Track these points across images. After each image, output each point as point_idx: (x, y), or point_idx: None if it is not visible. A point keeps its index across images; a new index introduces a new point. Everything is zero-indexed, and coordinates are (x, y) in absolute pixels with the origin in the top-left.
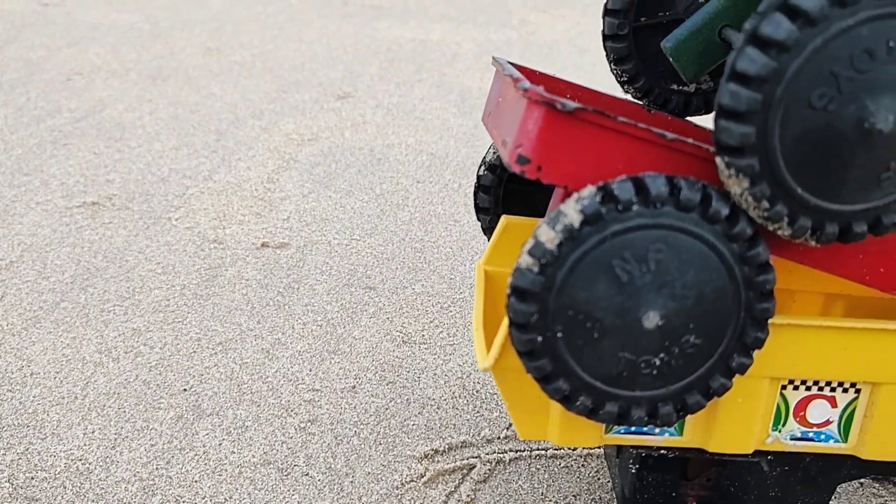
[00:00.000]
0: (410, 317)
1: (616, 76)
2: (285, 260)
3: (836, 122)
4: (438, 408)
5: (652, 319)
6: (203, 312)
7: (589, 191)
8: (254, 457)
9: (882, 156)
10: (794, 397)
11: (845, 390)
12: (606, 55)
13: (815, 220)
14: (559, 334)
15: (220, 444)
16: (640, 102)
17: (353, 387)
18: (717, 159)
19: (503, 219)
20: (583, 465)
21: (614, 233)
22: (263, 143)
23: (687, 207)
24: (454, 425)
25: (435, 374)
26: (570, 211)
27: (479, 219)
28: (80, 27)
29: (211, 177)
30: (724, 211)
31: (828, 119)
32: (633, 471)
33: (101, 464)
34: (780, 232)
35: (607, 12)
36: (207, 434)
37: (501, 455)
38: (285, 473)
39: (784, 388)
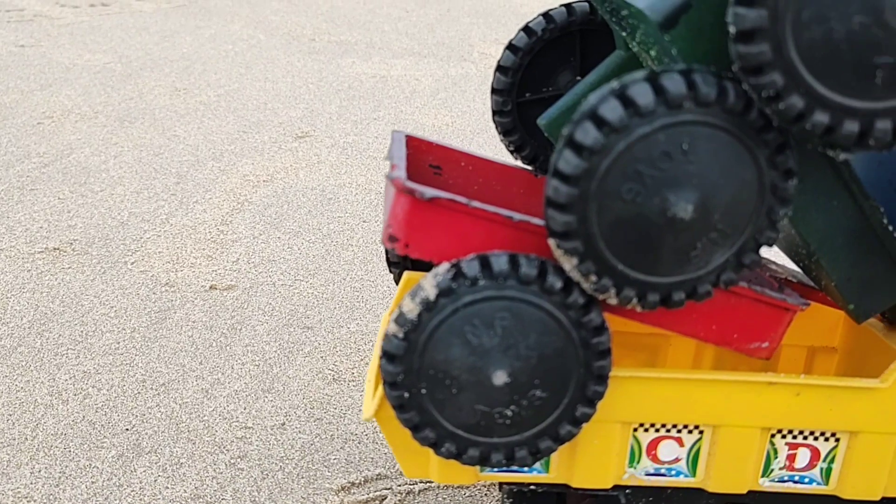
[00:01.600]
0: (343, 355)
1: (505, 145)
2: (231, 302)
3: (645, 211)
4: (360, 442)
5: (500, 377)
6: (150, 354)
7: (444, 267)
8: (185, 492)
9: (688, 238)
10: (645, 438)
11: (690, 431)
12: (495, 127)
13: (638, 291)
14: (423, 391)
15: (155, 481)
16: (530, 168)
17: (283, 424)
18: (549, 240)
19: (405, 275)
20: (486, 495)
21: (465, 304)
22: (221, 185)
23: (526, 281)
24: (372, 459)
25: (360, 411)
26: (427, 285)
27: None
28: (54, 69)
29: (168, 220)
30: (559, 284)
31: (637, 210)
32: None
33: (45, 500)
34: (609, 301)
35: (493, 91)
36: (144, 471)
37: (412, 486)
38: None
39: (636, 430)
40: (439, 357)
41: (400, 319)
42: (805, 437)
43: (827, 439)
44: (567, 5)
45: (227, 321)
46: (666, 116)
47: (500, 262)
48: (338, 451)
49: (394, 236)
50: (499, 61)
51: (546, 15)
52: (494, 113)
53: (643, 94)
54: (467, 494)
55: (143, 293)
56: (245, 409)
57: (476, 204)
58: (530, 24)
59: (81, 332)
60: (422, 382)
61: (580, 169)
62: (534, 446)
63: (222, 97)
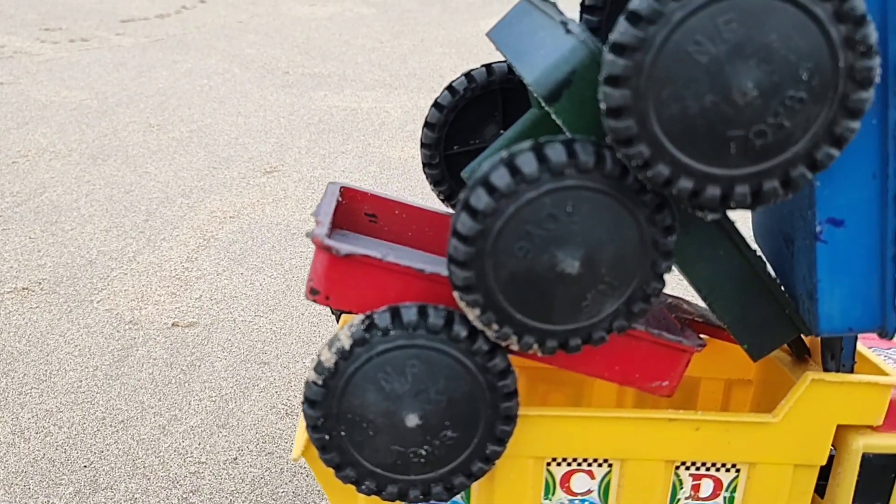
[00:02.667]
0: (297, 390)
1: (436, 195)
2: (192, 339)
3: (536, 267)
4: (307, 476)
5: (412, 420)
6: (111, 392)
7: (358, 319)
8: None
9: (577, 290)
10: (558, 472)
11: (599, 465)
12: (426, 178)
13: (537, 338)
14: (343, 433)
15: None
16: None
17: (235, 458)
18: (454, 293)
19: (342, 319)
20: None
21: (378, 352)
22: (188, 221)
23: (434, 330)
24: (318, 492)
25: None
26: (343, 336)
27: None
28: (31, 106)
29: (135, 258)
30: (464, 332)
31: (529, 265)
32: None
33: None
34: (511, 347)
35: (422, 145)
36: None
37: None
38: None
39: (549, 464)
40: (356, 402)
41: (318, 368)
42: (707, 469)
43: (728, 470)
44: (487, 66)
45: (187, 358)
46: (550, 182)
47: (409, 314)
48: (286, 483)
49: (315, 289)
50: (426, 118)
51: (468, 75)
52: (424, 165)
53: (528, 164)
54: None
55: (106, 331)
56: (200, 444)
57: (390, 258)
58: (454, 84)
59: (46, 370)
60: (341, 425)
61: (475, 230)
62: (448, 482)
63: (195, 132)
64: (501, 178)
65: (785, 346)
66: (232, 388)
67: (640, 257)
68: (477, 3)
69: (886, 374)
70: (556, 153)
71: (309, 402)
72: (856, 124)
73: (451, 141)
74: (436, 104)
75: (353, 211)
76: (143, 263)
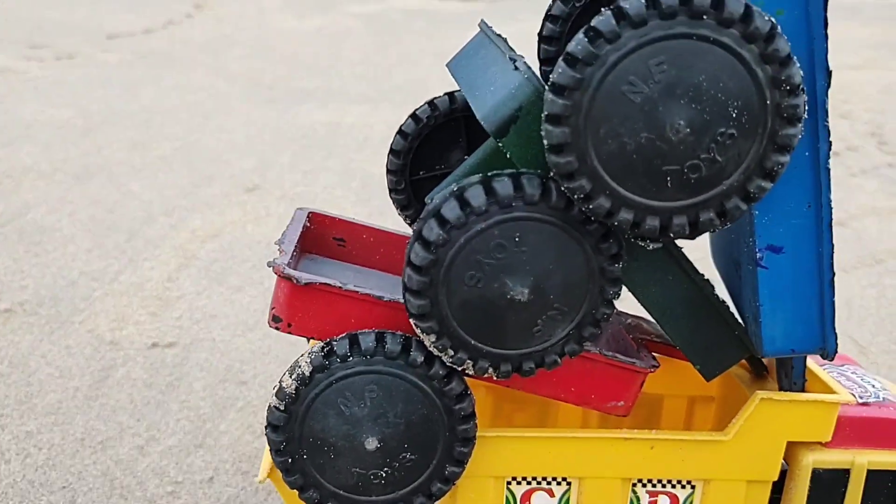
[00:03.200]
0: None
1: (403, 219)
2: (171, 359)
3: (487, 294)
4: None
5: (372, 443)
6: (90, 413)
7: (318, 346)
8: None
9: (528, 316)
10: (518, 490)
11: (559, 483)
12: (393, 203)
13: (491, 362)
14: (305, 456)
15: None
16: None
17: (211, 478)
18: (410, 320)
19: (312, 340)
20: None
21: (338, 378)
22: (170, 241)
23: (392, 356)
24: None
25: None
26: (303, 362)
27: None
28: (16, 125)
29: (117, 278)
30: (421, 358)
31: (480, 293)
32: None
33: None
34: (467, 371)
35: (387, 171)
36: None
37: None
38: None
39: (509, 483)
40: (317, 426)
41: (280, 393)
42: (663, 486)
43: (683, 486)
44: (450, 94)
45: (166, 378)
46: (499, 214)
47: (367, 340)
48: (261, 503)
49: (277, 317)
50: (391, 144)
51: (431, 103)
52: (390, 191)
53: (477, 196)
54: None
55: (87, 352)
56: (177, 464)
57: (350, 287)
58: (417, 112)
59: (27, 392)
60: (303, 449)
61: (427, 260)
62: (409, 502)
63: (178, 150)
64: (452, 211)
65: (744, 363)
66: (209, 407)
67: (589, 284)
68: (463, 16)
69: (834, 393)
70: (503, 186)
71: (271, 426)
72: (785, 158)
73: (417, 166)
74: (400, 132)
75: (322, 236)
76: (124, 284)
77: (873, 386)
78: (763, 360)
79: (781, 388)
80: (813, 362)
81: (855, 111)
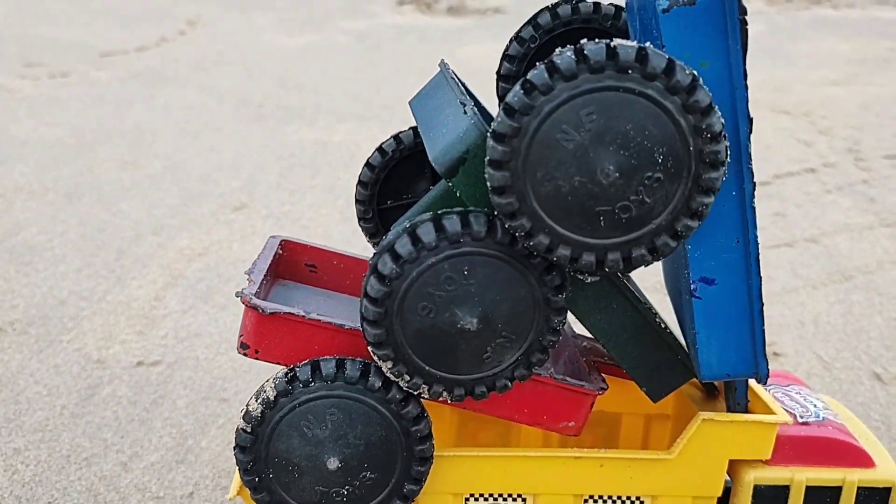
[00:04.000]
0: None
1: (371, 246)
2: (155, 377)
3: (439, 324)
4: None
5: (333, 463)
6: (76, 430)
7: (282, 372)
8: None
9: (478, 344)
10: None
11: (514, 499)
12: (362, 231)
13: (445, 387)
14: (271, 475)
15: None
16: None
17: (192, 493)
18: (368, 347)
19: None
20: None
21: (301, 402)
22: (158, 259)
23: (351, 381)
24: None
25: None
26: (268, 387)
27: None
28: (10, 144)
29: (104, 297)
30: (379, 383)
31: (432, 323)
32: None
33: None
34: (423, 396)
35: (356, 201)
36: None
37: None
38: None
39: (467, 499)
40: (281, 447)
41: (247, 416)
42: (613, 502)
43: (633, 502)
44: (415, 128)
45: (151, 396)
46: (448, 249)
47: (328, 366)
48: None
49: (245, 344)
50: (359, 176)
51: (396, 137)
52: (359, 219)
53: (427, 233)
54: None
55: (74, 371)
56: (158, 479)
57: (313, 316)
58: (383, 145)
59: (15, 410)
60: (269, 468)
61: (382, 293)
62: None
63: (168, 169)
64: (404, 247)
65: (696, 383)
66: (192, 424)
67: (534, 313)
68: (452, 32)
69: (773, 413)
70: (452, 224)
71: (239, 447)
72: (710, 199)
73: (385, 196)
74: (368, 164)
75: (295, 262)
76: (112, 303)
77: (815, 406)
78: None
79: (728, 409)
80: (756, 384)
81: (834, 127)
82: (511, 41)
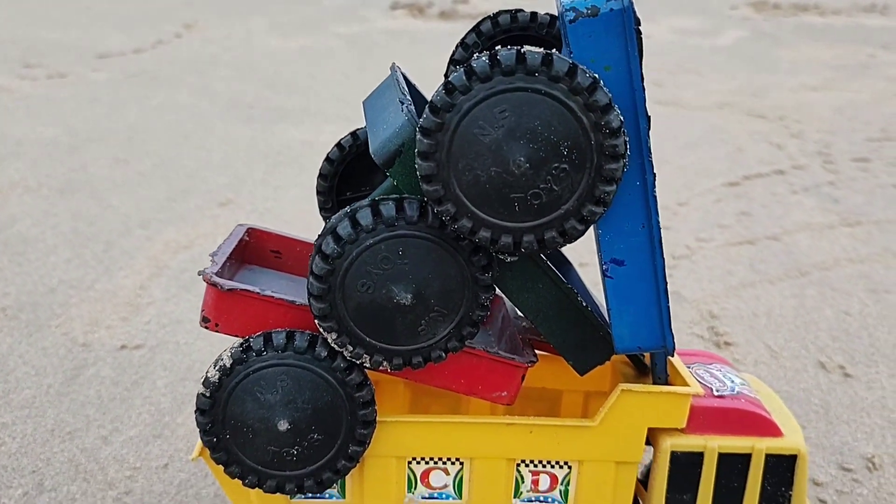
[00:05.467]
0: None
1: None
2: (137, 359)
3: (377, 299)
4: None
5: (283, 425)
6: (60, 407)
7: (238, 343)
8: None
9: (413, 318)
10: (418, 469)
11: (452, 463)
12: (323, 220)
13: (385, 357)
14: (228, 436)
15: None
16: None
17: (166, 464)
18: (315, 320)
19: None
20: None
21: (254, 370)
22: (145, 251)
23: (300, 351)
24: None
25: None
26: (225, 356)
27: None
28: (7, 142)
29: (92, 286)
30: (325, 352)
31: (371, 298)
32: None
33: None
34: (364, 365)
35: (317, 192)
36: None
37: None
38: None
39: (410, 462)
40: (237, 410)
41: (206, 382)
42: (544, 466)
43: (561, 467)
44: None
45: (132, 376)
46: (385, 232)
47: (279, 338)
48: (209, 486)
49: (206, 318)
50: (320, 169)
51: (353, 134)
52: (320, 209)
53: (365, 217)
54: None
55: (61, 353)
56: (136, 452)
57: (267, 293)
58: (341, 141)
59: (4, 388)
60: (226, 430)
61: (325, 270)
62: (318, 477)
63: (158, 166)
64: (345, 229)
65: (629, 362)
66: (169, 403)
67: (464, 290)
68: (442, 36)
69: (687, 386)
70: (387, 209)
71: (199, 410)
72: (612, 188)
73: (344, 188)
74: (327, 158)
75: (260, 249)
76: (99, 291)
77: (732, 381)
78: (644, 359)
79: (654, 383)
80: (679, 360)
81: (806, 131)
82: (457, 46)
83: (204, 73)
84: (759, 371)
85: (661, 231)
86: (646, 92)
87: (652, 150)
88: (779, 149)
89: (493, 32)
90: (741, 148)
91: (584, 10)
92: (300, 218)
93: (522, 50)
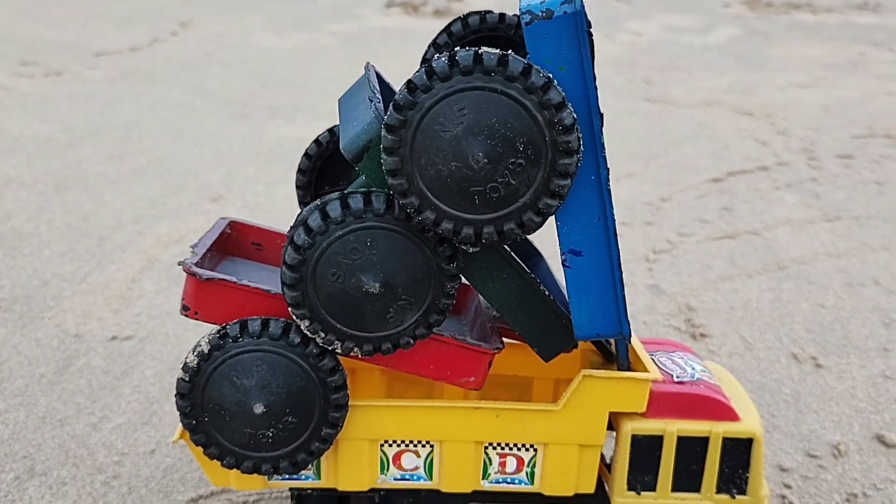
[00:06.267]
0: None
1: None
2: (128, 350)
3: (347, 288)
4: None
5: (259, 408)
6: (52, 395)
7: (216, 330)
8: None
9: (381, 306)
10: (390, 451)
11: (423, 445)
12: None
13: (356, 343)
14: (206, 419)
15: (42, 497)
16: None
17: (153, 450)
18: (288, 308)
19: None
20: None
21: (231, 355)
22: (136, 246)
23: (274, 338)
24: None
25: None
26: (203, 342)
27: None
28: (4, 139)
29: (85, 279)
30: (298, 339)
31: (341, 287)
32: None
33: None
34: (336, 351)
35: (296, 186)
36: (35, 489)
37: (247, 498)
38: None
39: (382, 445)
40: (215, 394)
41: (185, 367)
42: (510, 448)
43: (527, 449)
44: None
45: (122, 366)
46: (354, 223)
47: (254, 325)
48: (194, 471)
49: (186, 306)
50: (299, 164)
51: (330, 130)
52: (300, 203)
53: (334, 210)
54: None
55: (53, 344)
56: (124, 438)
57: (244, 282)
58: (319, 138)
59: None
60: (204, 413)
61: (297, 260)
62: (293, 459)
63: (152, 163)
64: (315, 221)
65: (596, 349)
66: (157, 391)
67: (430, 280)
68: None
69: (647, 372)
70: (355, 202)
71: (179, 394)
72: (566, 182)
73: (323, 182)
74: (305, 154)
75: (242, 241)
76: (91, 284)
77: (693, 368)
78: (611, 347)
79: (618, 370)
80: (642, 347)
81: (792, 128)
82: (429, 46)
83: (199, 71)
84: (733, 362)
85: (616, 224)
86: (598, 90)
87: (605, 146)
88: (764, 146)
89: (464, 33)
90: (727, 145)
91: (540, 14)
92: (291, 213)
93: (480, 51)
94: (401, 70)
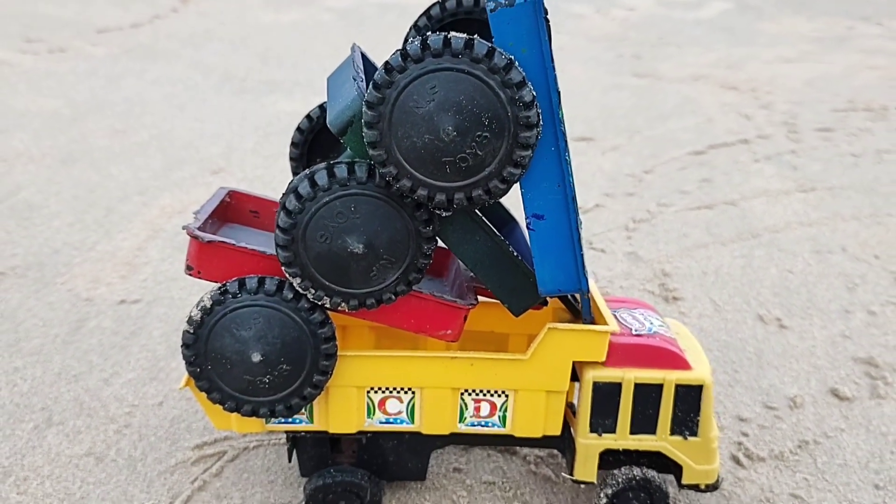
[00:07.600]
0: None
1: None
2: (135, 312)
3: (334, 249)
4: None
5: (256, 357)
6: (66, 354)
7: (217, 286)
8: (81, 450)
9: (365, 264)
10: (376, 397)
11: (405, 392)
12: None
13: (343, 298)
14: (209, 367)
15: (59, 444)
16: None
17: (161, 402)
18: (282, 267)
19: None
20: None
21: (231, 309)
22: (142, 216)
23: (269, 294)
24: None
25: None
26: (206, 298)
27: None
28: (10, 114)
29: (94, 247)
30: (290, 295)
31: (328, 248)
32: (290, 446)
33: None
34: (326, 306)
35: (289, 159)
36: (53, 437)
37: (248, 444)
38: (100, 460)
39: (369, 392)
40: (217, 344)
41: (190, 320)
42: (484, 395)
43: (499, 395)
44: None
45: (130, 327)
46: (339, 191)
47: (251, 282)
48: (199, 421)
49: (189, 266)
50: (292, 138)
51: (321, 106)
52: (293, 174)
53: (321, 178)
54: (284, 451)
55: (66, 307)
56: (134, 392)
57: (242, 244)
58: (310, 113)
59: (15, 337)
60: (207, 362)
61: (289, 224)
62: (288, 403)
63: (154, 137)
64: (304, 188)
65: (565, 307)
66: (164, 350)
67: (409, 241)
68: None
69: (606, 325)
70: (340, 171)
71: (184, 345)
72: (528, 153)
73: (314, 154)
74: (298, 128)
75: (240, 209)
76: (100, 252)
77: (651, 323)
78: (578, 305)
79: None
80: (604, 304)
81: (775, 102)
82: (410, 29)
83: (199, 47)
84: (703, 323)
85: (576, 189)
86: (556, 70)
87: (564, 121)
88: (747, 119)
89: (442, 16)
90: (711, 119)
91: (503, 2)
92: (286, 183)
93: (448, 35)
94: (397, 45)
